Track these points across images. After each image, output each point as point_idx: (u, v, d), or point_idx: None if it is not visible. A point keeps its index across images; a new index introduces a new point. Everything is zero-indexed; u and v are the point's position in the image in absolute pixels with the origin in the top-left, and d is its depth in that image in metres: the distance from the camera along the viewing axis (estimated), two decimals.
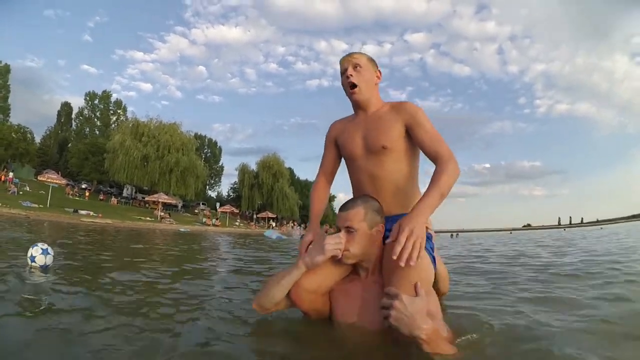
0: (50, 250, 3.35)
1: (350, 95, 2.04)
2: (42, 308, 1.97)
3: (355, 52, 2.07)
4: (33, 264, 3.22)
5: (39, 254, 3.27)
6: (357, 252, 1.77)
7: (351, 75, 1.98)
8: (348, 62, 2.01)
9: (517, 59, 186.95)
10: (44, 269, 3.23)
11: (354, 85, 1.99)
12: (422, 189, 1.83)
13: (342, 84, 2.06)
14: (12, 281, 2.58)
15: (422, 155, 1.95)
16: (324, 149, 2.27)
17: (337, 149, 2.19)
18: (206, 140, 65.04)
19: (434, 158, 1.82)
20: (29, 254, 3.27)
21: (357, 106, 2.08)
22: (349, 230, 1.77)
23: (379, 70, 2.08)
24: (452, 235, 39.22)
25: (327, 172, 2.26)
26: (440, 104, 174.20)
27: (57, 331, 1.64)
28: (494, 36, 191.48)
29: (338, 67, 2.07)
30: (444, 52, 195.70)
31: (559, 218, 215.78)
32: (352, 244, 1.76)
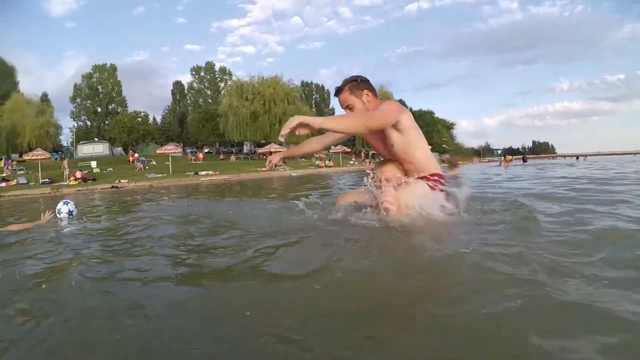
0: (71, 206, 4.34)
1: None
2: None
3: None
4: (60, 215, 4.17)
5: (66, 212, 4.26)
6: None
7: None
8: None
9: None
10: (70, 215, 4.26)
11: None
12: None
13: None
14: None
15: None
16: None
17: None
18: (313, 86, 66.85)
19: None
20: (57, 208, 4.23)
21: None
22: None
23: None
24: (577, 158, 38.10)
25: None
26: (558, 8, 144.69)
27: None
28: None
29: None
30: None
31: None
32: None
